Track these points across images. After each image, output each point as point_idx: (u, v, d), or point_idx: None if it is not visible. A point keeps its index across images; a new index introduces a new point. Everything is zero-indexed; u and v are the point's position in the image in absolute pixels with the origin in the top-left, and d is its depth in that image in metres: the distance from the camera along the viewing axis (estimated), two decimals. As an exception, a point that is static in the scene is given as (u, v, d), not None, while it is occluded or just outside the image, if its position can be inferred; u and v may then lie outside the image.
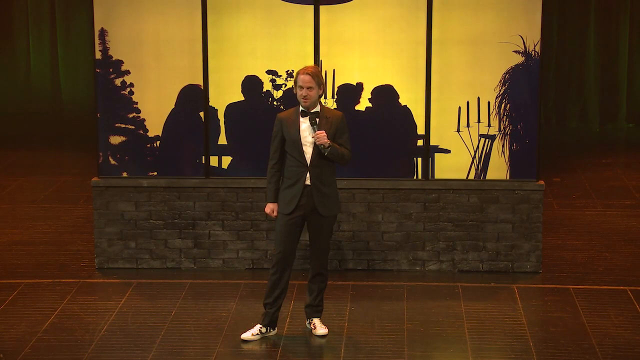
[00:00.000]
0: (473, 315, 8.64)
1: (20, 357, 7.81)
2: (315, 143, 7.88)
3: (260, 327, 8.14)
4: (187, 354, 7.86)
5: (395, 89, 9.51)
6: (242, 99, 9.59)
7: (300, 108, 7.94)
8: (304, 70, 7.88)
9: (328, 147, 7.84)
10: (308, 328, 8.29)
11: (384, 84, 9.52)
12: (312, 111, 7.91)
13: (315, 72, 7.87)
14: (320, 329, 8.21)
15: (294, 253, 8.11)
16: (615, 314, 8.64)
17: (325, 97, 9.52)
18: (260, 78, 9.56)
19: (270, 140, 8.04)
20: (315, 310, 8.25)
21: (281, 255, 8.02)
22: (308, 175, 7.93)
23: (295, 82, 7.90)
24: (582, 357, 7.78)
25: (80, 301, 9.00)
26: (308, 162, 7.93)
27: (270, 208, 8.05)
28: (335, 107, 9.53)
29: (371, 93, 9.52)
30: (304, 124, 7.92)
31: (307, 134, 7.91)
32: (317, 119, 7.87)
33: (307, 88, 7.85)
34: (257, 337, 8.11)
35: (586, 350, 7.89)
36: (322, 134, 7.83)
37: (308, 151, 7.92)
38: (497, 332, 8.28)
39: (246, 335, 8.11)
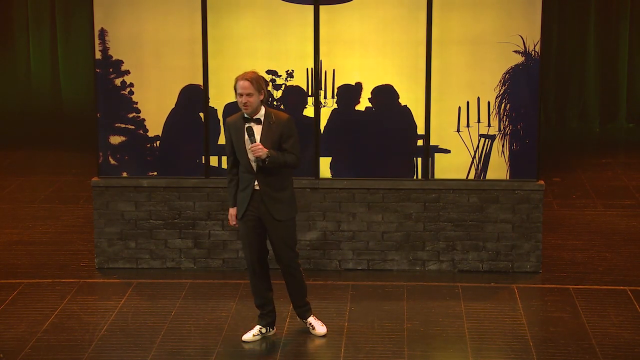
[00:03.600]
0: (473, 315, 8.64)
1: (20, 357, 7.82)
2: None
3: (260, 328, 8.14)
4: (187, 354, 7.86)
5: (395, 88, 9.51)
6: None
7: (244, 115, 7.81)
8: (242, 77, 7.69)
9: (266, 158, 7.68)
10: (307, 327, 8.30)
11: (384, 83, 9.52)
12: (254, 117, 7.75)
13: (254, 78, 7.66)
14: (319, 328, 8.20)
15: (262, 254, 8.05)
16: (615, 314, 8.64)
17: (325, 97, 9.52)
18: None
19: (225, 143, 7.97)
20: (304, 310, 8.24)
21: (247, 259, 8.05)
22: (256, 182, 7.85)
23: (235, 89, 7.72)
24: (582, 357, 7.78)
25: (80, 301, 9.00)
26: (255, 169, 7.83)
27: (229, 213, 8.01)
28: (336, 107, 9.53)
29: (371, 93, 9.52)
30: (247, 130, 7.80)
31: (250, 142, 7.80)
32: (254, 129, 7.72)
33: (247, 95, 7.66)
34: (257, 338, 8.11)
35: (586, 350, 7.89)
36: (257, 146, 7.66)
37: (249, 160, 7.83)
38: (497, 332, 8.28)
39: (247, 337, 8.11)
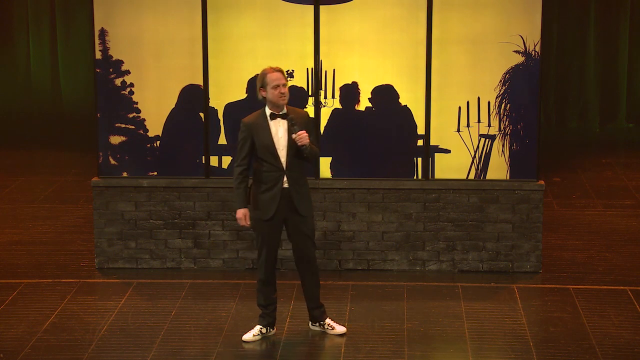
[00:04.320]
0: (473, 315, 8.64)
1: (20, 357, 7.81)
2: (290, 145, 7.80)
3: (261, 328, 8.14)
4: (187, 354, 7.86)
5: (395, 89, 9.51)
6: (241, 98, 9.59)
7: (269, 111, 7.83)
8: (273, 69, 7.78)
9: (308, 146, 7.79)
10: (318, 330, 8.25)
11: (384, 83, 9.52)
12: (280, 112, 7.84)
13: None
14: (338, 327, 8.21)
15: (277, 255, 8.09)
16: (615, 314, 8.64)
17: (325, 97, 9.52)
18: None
19: (237, 145, 7.89)
20: (321, 311, 8.24)
21: (266, 260, 7.99)
22: (285, 178, 7.87)
23: (265, 83, 7.75)
24: (582, 357, 7.78)
25: (80, 301, 9.00)
26: (284, 165, 7.85)
27: (242, 213, 7.89)
28: (336, 107, 9.53)
29: (371, 93, 9.52)
30: (274, 127, 7.84)
31: (280, 138, 7.84)
32: (281, 123, 7.82)
33: (283, 85, 7.76)
34: (258, 338, 8.11)
35: (586, 350, 7.89)
36: (304, 134, 7.76)
37: (282, 155, 7.84)
38: (497, 332, 8.28)
39: (247, 337, 8.11)
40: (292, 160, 7.85)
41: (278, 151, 7.83)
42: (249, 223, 7.92)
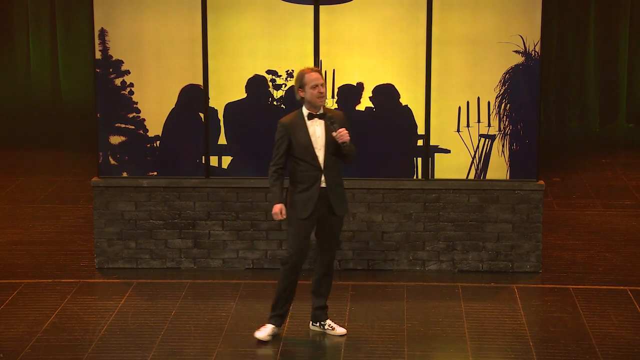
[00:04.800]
0: (473, 315, 8.64)
1: (20, 357, 7.81)
2: (327, 145, 7.84)
3: (273, 327, 8.11)
4: (187, 354, 7.86)
5: (396, 88, 9.51)
6: (241, 98, 9.59)
7: (307, 112, 7.87)
8: (311, 69, 7.85)
9: (348, 144, 7.86)
10: (318, 330, 8.25)
11: (385, 82, 9.52)
12: (318, 113, 7.88)
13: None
14: (339, 328, 8.21)
15: (307, 255, 8.10)
16: (615, 314, 8.64)
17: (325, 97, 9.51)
18: (262, 77, 9.55)
19: (274, 145, 7.90)
20: (325, 312, 8.24)
21: (297, 259, 7.96)
22: (323, 178, 7.90)
23: (304, 83, 7.79)
24: (582, 357, 7.78)
25: (80, 301, 9.00)
26: (322, 165, 7.89)
27: (278, 208, 7.87)
28: (336, 107, 9.53)
29: (372, 92, 9.52)
30: (312, 127, 7.87)
31: (318, 137, 7.87)
32: (318, 123, 7.87)
33: (321, 85, 7.81)
34: (270, 338, 8.10)
35: (586, 351, 7.89)
36: (345, 131, 7.81)
37: (320, 154, 7.87)
38: (497, 332, 8.28)
39: (261, 335, 8.07)
40: (329, 160, 7.89)
41: (316, 151, 7.86)
42: (285, 216, 7.89)
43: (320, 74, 7.87)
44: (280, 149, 7.87)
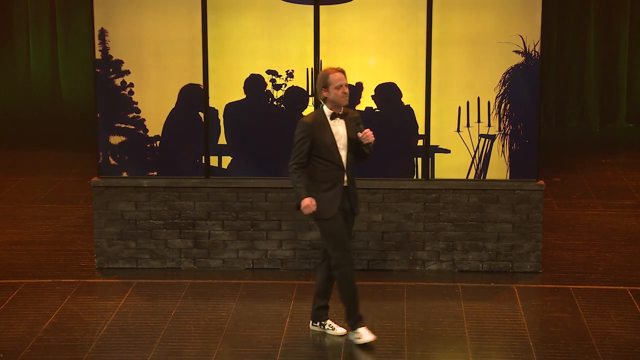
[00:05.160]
0: (473, 315, 8.64)
1: (20, 357, 7.81)
2: (349, 144, 7.86)
3: (366, 327, 8.10)
4: (187, 354, 7.86)
5: (398, 87, 9.51)
6: (241, 98, 9.59)
7: (329, 111, 7.86)
8: (336, 69, 7.84)
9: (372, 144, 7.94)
10: (318, 330, 8.25)
11: (387, 81, 9.52)
12: (339, 112, 7.89)
13: None
14: (338, 328, 8.22)
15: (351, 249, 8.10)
16: (615, 314, 8.64)
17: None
18: (261, 77, 9.56)
19: (296, 144, 7.82)
20: (326, 312, 8.26)
21: (345, 252, 7.92)
22: (345, 177, 7.91)
23: (328, 83, 7.78)
24: (582, 357, 7.78)
25: (80, 301, 9.00)
26: (344, 164, 7.90)
27: (308, 200, 7.76)
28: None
29: (375, 90, 9.52)
30: (335, 127, 7.87)
31: (341, 137, 7.87)
32: (338, 122, 7.90)
33: (345, 85, 7.83)
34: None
35: (586, 350, 7.89)
36: (370, 132, 7.87)
37: (343, 154, 7.89)
38: (497, 332, 8.28)
39: (370, 337, 8.02)
40: (350, 159, 7.93)
41: (340, 150, 7.87)
42: (315, 208, 7.83)
43: (344, 73, 7.86)
44: (303, 148, 7.83)
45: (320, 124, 7.86)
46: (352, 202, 7.99)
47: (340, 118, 7.90)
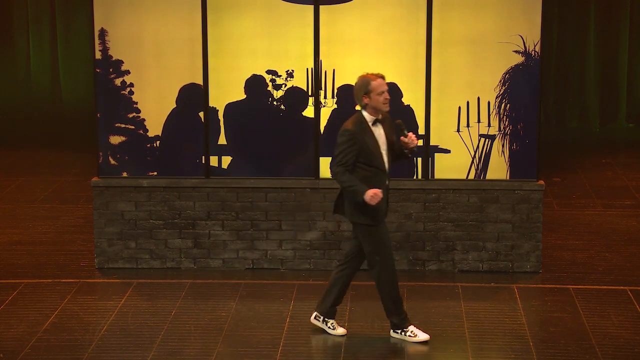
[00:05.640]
0: (473, 315, 8.64)
1: (20, 357, 7.81)
2: (388, 149, 7.89)
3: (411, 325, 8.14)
4: (187, 354, 7.86)
5: (398, 87, 9.51)
6: (242, 98, 9.59)
7: (371, 117, 7.82)
8: (375, 75, 7.81)
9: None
10: (319, 327, 8.25)
11: (387, 81, 9.51)
12: (380, 117, 7.88)
13: None
14: (339, 329, 8.24)
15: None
16: (615, 314, 8.64)
17: (325, 97, 9.52)
18: (261, 77, 9.56)
19: (341, 151, 7.75)
20: (335, 311, 8.26)
21: (391, 259, 7.98)
22: (387, 182, 7.94)
23: (370, 90, 7.74)
24: (582, 357, 7.78)
25: (80, 301, 9.00)
26: (387, 169, 7.93)
27: (373, 191, 7.69)
28: (336, 107, 9.53)
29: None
30: (377, 132, 7.85)
31: (382, 142, 7.88)
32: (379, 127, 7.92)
33: (387, 91, 7.82)
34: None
35: (586, 350, 7.89)
36: (414, 135, 7.92)
37: (385, 159, 7.91)
38: (497, 332, 8.28)
39: (424, 336, 8.06)
40: (389, 164, 7.96)
41: (383, 155, 7.89)
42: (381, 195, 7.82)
43: (384, 78, 7.85)
44: (351, 155, 7.77)
45: (363, 130, 7.82)
46: (388, 205, 8.04)
47: (380, 123, 7.90)
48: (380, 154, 7.88)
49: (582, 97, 16.79)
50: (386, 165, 7.91)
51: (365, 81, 7.80)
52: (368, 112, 7.86)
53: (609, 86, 16.78)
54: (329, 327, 8.23)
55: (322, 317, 8.27)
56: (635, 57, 16.73)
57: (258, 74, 9.55)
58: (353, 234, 8.17)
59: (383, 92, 7.78)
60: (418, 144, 7.97)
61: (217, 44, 9.52)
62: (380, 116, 7.89)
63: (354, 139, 7.79)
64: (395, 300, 8.07)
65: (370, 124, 7.85)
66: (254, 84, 9.56)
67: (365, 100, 7.82)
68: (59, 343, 8.08)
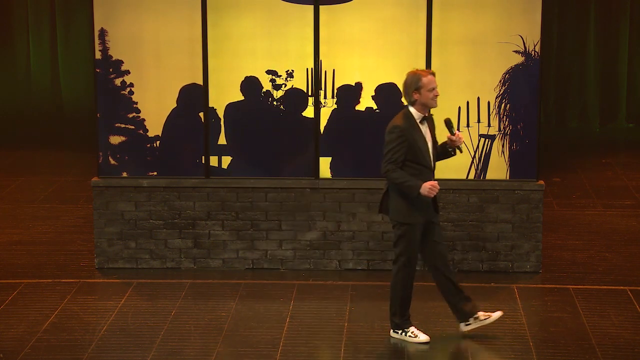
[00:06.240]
0: (473, 315, 8.63)
1: (20, 357, 7.81)
2: (434, 146, 7.90)
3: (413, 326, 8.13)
4: (187, 354, 7.86)
5: (399, 88, 9.51)
6: (241, 98, 9.59)
7: (418, 114, 7.81)
8: (427, 72, 7.81)
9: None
10: (473, 327, 8.18)
11: (387, 82, 9.51)
12: (427, 115, 7.89)
13: None
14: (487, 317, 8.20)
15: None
16: (615, 314, 8.64)
17: (325, 97, 9.52)
18: (259, 78, 9.56)
19: (391, 149, 7.75)
20: (473, 304, 8.17)
21: (413, 262, 7.96)
22: (433, 179, 7.92)
23: (420, 86, 7.73)
24: (582, 357, 7.78)
25: (80, 301, 9.00)
26: (433, 166, 7.94)
27: (430, 183, 7.71)
28: (336, 107, 9.54)
29: (375, 91, 9.52)
30: (423, 129, 7.85)
31: (429, 139, 7.88)
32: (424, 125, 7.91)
33: (436, 88, 7.82)
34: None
35: (586, 350, 7.89)
36: (461, 134, 7.93)
37: (432, 157, 7.92)
38: (497, 332, 8.28)
39: (425, 337, 8.03)
40: (435, 161, 7.97)
41: (430, 153, 7.89)
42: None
43: (434, 75, 7.84)
44: (400, 152, 7.75)
45: (411, 126, 7.80)
46: (437, 201, 7.99)
47: (426, 120, 7.91)
48: (428, 151, 7.85)
49: (582, 97, 16.79)
50: (433, 163, 7.92)
51: (417, 77, 7.77)
52: (416, 109, 7.83)
53: (609, 86, 16.78)
54: (483, 319, 8.13)
55: (468, 319, 8.15)
56: (635, 57, 16.73)
57: (258, 74, 9.54)
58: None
59: (434, 89, 7.77)
60: (461, 143, 7.93)
61: (217, 44, 9.52)
62: (427, 113, 7.88)
63: (403, 135, 7.75)
64: (403, 303, 8.05)
65: (417, 120, 7.83)
66: (254, 84, 9.56)
67: (415, 96, 7.78)
68: (59, 343, 8.08)
